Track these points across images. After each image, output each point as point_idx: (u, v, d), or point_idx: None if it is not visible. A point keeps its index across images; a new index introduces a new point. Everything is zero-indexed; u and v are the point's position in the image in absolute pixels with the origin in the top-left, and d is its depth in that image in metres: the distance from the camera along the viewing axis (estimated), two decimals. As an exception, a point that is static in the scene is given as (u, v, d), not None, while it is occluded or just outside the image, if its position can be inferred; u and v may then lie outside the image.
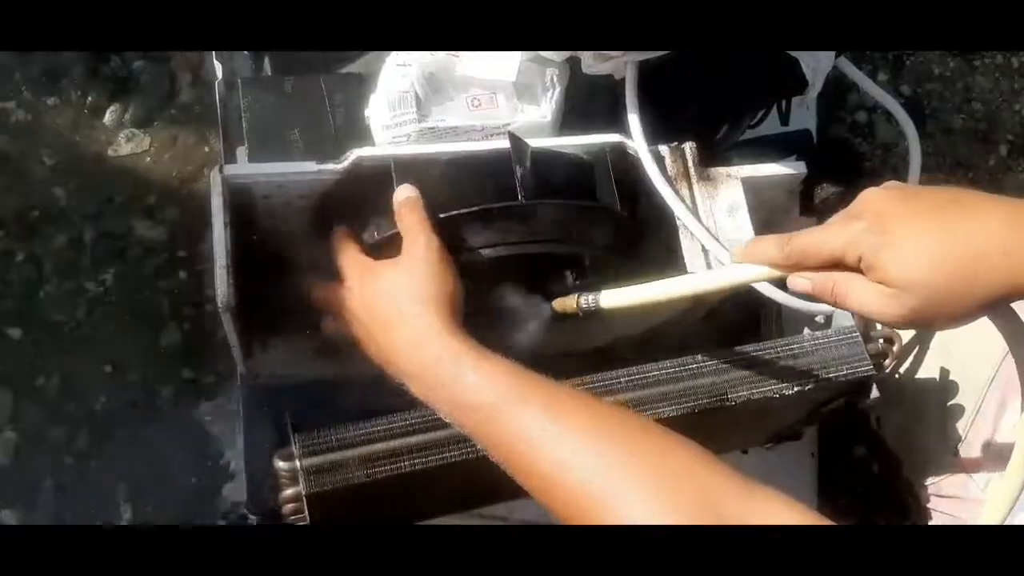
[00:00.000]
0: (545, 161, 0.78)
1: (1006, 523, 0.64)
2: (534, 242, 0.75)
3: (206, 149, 1.33)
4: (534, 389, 0.62)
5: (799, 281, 0.60)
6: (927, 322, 0.57)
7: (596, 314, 0.73)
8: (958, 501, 0.87)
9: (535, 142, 0.82)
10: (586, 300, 0.73)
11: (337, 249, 0.76)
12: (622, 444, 0.58)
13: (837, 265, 0.58)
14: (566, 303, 0.75)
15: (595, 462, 0.57)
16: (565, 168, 0.81)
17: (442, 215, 0.74)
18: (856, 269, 0.57)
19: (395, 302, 0.69)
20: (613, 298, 0.72)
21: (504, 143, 0.79)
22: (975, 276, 0.53)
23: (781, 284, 0.73)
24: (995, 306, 0.56)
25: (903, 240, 0.55)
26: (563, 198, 0.78)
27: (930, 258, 0.54)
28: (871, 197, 0.58)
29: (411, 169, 0.77)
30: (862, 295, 0.57)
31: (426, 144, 0.83)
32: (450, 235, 0.73)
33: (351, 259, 0.74)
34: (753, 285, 0.78)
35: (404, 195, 0.75)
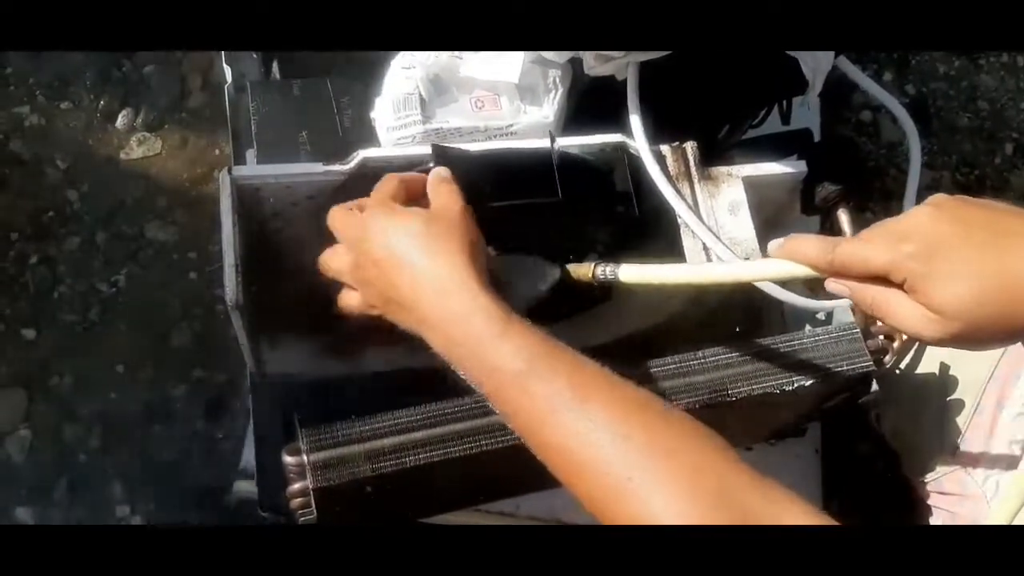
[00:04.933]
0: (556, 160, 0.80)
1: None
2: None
3: (216, 152, 1.35)
4: (562, 360, 0.61)
5: (837, 287, 0.60)
6: (966, 345, 0.57)
7: (611, 287, 0.71)
8: (957, 498, 0.87)
9: (537, 143, 0.83)
10: (603, 270, 0.71)
11: (378, 191, 0.73)
12: (646, 428, 0.57)
13: (878, 278, 0.58)
14: (580, 270, 0.73)
15: (619, 443, 0.56)
16: (572, 167, 0.82)
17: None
18: (898, 286, 0.57)
19: (424, 246, 0.67)
20: (634, 273, 0.70)
21: (511, 143, 0.80)
22: (1019, 308, 0.54)
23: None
24: None
25: (950, 271, 0.55)
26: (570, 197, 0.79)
27: (976, 291, 0.54)
28: (922, 219, 0.57)
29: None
30: (903, 314, 0.57)
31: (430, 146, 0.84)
32: None
33: (384, 201, 0.72)
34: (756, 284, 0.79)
35: (443, 174, 0.74)
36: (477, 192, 0.75)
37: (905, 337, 0.86)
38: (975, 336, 0.56)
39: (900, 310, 0.57)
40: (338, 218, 0.72)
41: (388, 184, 0.73)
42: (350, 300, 0.73)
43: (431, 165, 0.76)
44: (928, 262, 0.55)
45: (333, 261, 0.73)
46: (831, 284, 0.61)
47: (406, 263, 0.67)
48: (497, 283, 0.70)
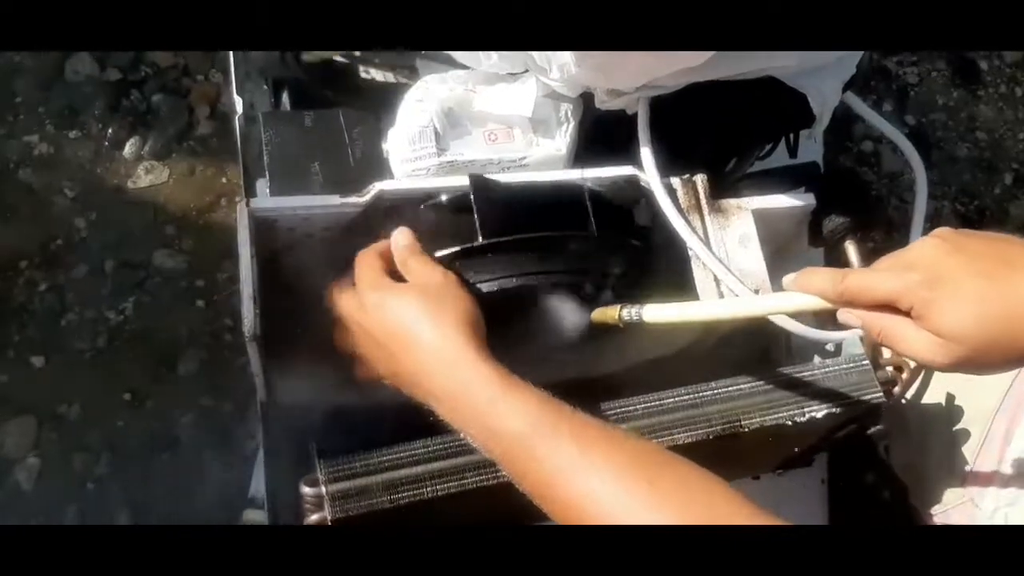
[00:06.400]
0: (546, 194, 0.80)
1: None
2: (539, 274, 0.77)
3: (223, 180, 1.36)
4: (563, 419, 0.63)
5: (848, 317, 0.62)
6: (972, 369, 0.59)
7: (636, 327, 0.73)
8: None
9: (549, 175, 0.84)
10: (629, 312, 0.73)
11: (362, 268, 0.75)
12: (650, 481, 0.59)
13: (886, 307, 0.60)
14: (607, 313, 0.75)
15: (624, 498, 0.58)
16: (561, 200, 0.82)
17: (438, 253, 0.75)
18: (906, 313, 0.59)
19: (421, 324, 0.69)
20: (658, 312, 0.72)
21: (522, 176, 0.81)
22: (1021, 332, 0.56)
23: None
24: None
25: (954, 296, 0.57)
26: (561, 230, 0.79)
27: (980, 315, 0.56)
28: (927, 250, 0.60)
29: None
30: (911, 341, 0.59)
31: (445, 177, 0.85)
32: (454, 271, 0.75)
33: (374, 279, 0.73)
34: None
35: (404, 242, 0.75)
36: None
37: (913, 366, 0.86)
38: (980, 360, 0.57)
39: (908, 337, 0.59)
40: (340, 298, 0.75)
41: (370, 259, 0.75)
42: (364, 372, 0.76)
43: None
44: (933, 289, 0.57)
45: (344, 339, 0.76)
46: (842, 314, 0.63)
47: (404, 339, 0.70)
48: (520, 333, 0.71)
